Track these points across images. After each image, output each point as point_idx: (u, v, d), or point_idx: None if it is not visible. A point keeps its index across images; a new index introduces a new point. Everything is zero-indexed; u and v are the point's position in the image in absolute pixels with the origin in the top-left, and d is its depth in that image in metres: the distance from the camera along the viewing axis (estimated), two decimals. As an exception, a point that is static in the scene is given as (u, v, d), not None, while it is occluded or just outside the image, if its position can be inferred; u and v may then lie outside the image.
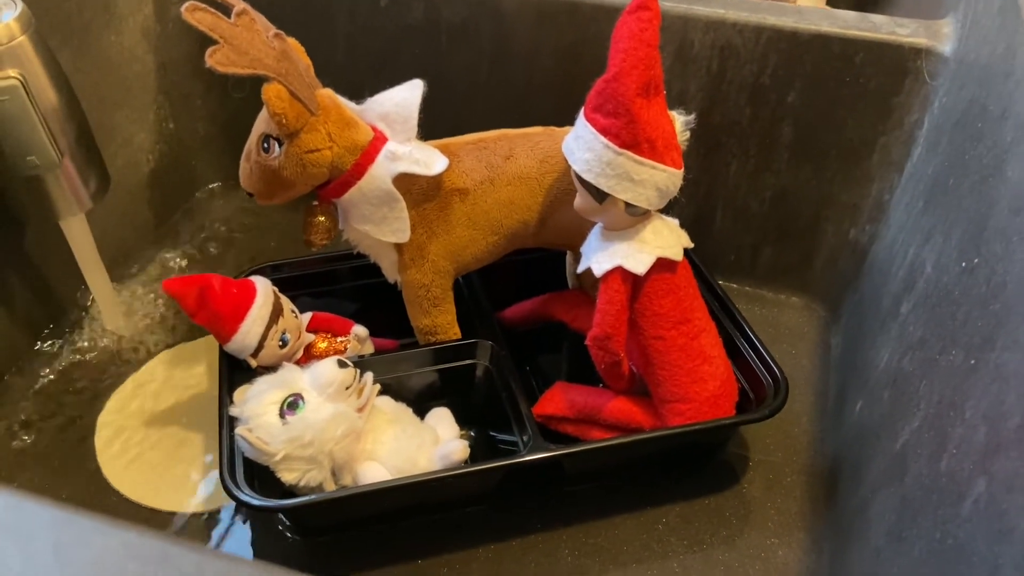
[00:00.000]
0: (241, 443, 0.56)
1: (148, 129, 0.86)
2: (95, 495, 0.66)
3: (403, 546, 0.63)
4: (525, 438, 0.62)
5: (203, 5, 0.54)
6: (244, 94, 0.88)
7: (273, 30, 0.57)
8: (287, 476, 0.56)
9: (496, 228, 0.66)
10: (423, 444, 0.61)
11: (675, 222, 0.63)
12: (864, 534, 0.56)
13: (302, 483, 0.56)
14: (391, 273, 0.68)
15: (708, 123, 0.78)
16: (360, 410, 0.59)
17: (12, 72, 0.60)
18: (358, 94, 0.87)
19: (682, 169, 0.58)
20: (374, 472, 0.59)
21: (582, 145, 0.57)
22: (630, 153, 0.55)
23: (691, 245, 0.63)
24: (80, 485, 0.67)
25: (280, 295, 0.67)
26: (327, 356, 0.66)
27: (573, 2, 0.76)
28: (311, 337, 0.69)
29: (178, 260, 0.88)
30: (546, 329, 0.76)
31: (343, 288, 0.77)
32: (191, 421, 0.72)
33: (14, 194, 0.66)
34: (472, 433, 0.69)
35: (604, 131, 0.56)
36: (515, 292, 0.77)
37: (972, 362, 0.47)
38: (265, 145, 0.60)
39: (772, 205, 0.81)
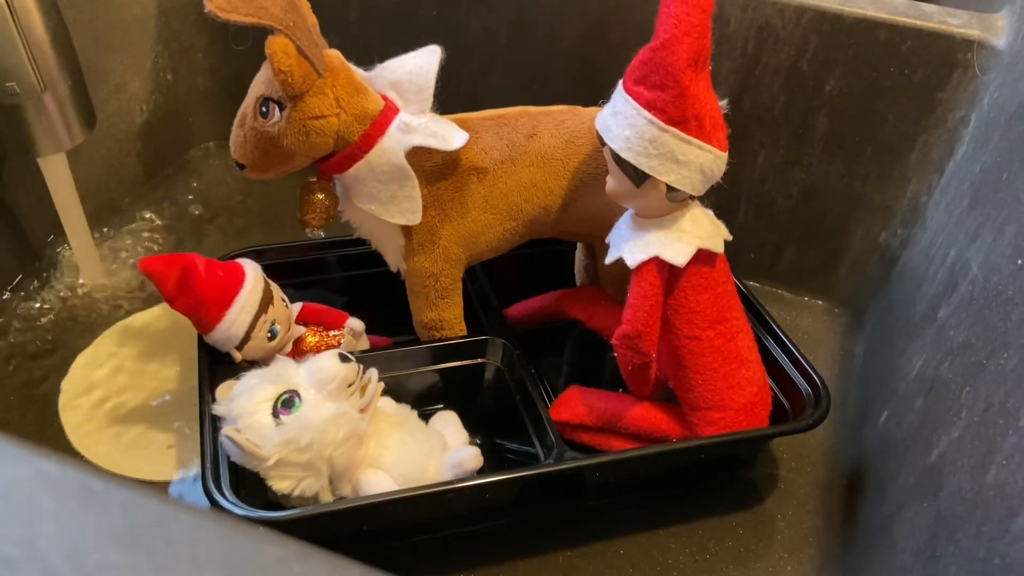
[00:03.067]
0: (228, 446, 0.50)
1: (144, 77, 0.82)
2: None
3: (389, 567, 0.57)
4: (546, 447, 0.56)
5: None
6: (247, 47, 0.84)
7: None
8: (279, 484, 0.50)
9: (515, 213, 0.61)
10: (432, 450, 0.55)
11: (711, 212, 0.57)
12: (888, 553, 0.51)
13: (296, 492, 0.50)
14: (395, 260, 0.61)
15: (738, 109, 0.73)
16: (363, 411, 0.53)
17: (-5, -13, 0.55)
18: (369, 56, 0.82)
19: (727, 152, 0.53)
20: (379, 481, 0.53)
21: (621, 121, 0.52)
22: (676, 130, 0.50)
23: (730, 237, 0.57)
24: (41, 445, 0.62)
25: (270, 282, 0.61)
26: (318, 351, 0.60)
27: (604, -31, 0.71)
28: (301, 330, 0.63)
29: (165, 219, 0.83)
30: (549, 328, 0.70)
31: (331, 279, 0.70)
32: (164, 385, 0.67)
33: (-9, 125, 0.61)
34: (479, 440, 0.63)
35: (649, 105, 0.50)
36: (517, 288, 0.71)
37: (1030, 364, 0.42)
38: (263, 109, 0.53)
39: (799, 202, 0.77)
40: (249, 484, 0.51)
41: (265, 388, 0.51)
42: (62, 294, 0.73)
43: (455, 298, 0.63)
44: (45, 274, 0.74)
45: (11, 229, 0.72)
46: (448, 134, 0.56)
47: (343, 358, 0.52)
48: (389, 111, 0.56)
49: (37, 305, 0.72)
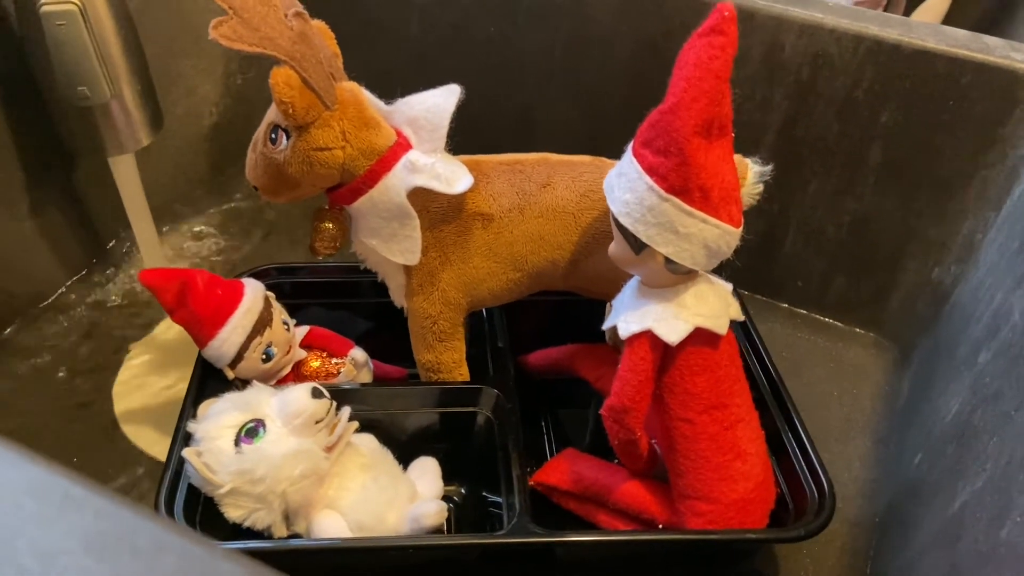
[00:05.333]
0: (187, 466, 0.50)
1: (215, 82, 0.85)
2: (104, 438, 0.65)
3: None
4: (510, 513, 0.53)
5: None
6: (250, 75, 0.86)
7: (295, 8, 0.51)
8: (232, 512, 0.49)
9: (519, 264, 0.58)
10: (396, 499, 0.53)
11: (727, 287, 0.54)
12: (905, 599, 0.51)
13: (247, 523, 0.49)
14: (397, 297, 0.61)
15: (791, 136, 0.73)
16: (328, 449, 0.51)
17: (73, -2, 0.59)
18: (427, 67, 0.84)
19: (740, 228, 0.49)
20: (330, 524, 0.51)
21: (624, 184, 0.49)
22: (677, 200, 0.47)
23: (740, 317, 0.54)
24: (91, 426, 0.66)
25: (274, 304, 0.60)
26: (318, 376, 0.61)
27: (660, -9, 0.71)
28: (303, 353, 0.62)
29: (226, 217, 0.87)
30: (577, 380, 0.67)
31: (360, 303, 0.69)
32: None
33: (66, 124, 0.65)
34: (463, 490, 0.61)
35: (651, 170, 0.47)
36: (546, 334, 0.68)
37: (1051, 421, 0.41)
38: (272, 136, 0.53)
39: (850, 232, 0.75)
40: (209, 505, 0.51)
41: (232, 414, 0.51)
42: (126, 285, 0.77)
43: (454, 342, 0.61)
44: (111, 266, 0.78)
45: (81, 222, 0.76)
46: (454, 177, 0.54)
47: (316, 393, 0.51)
48: (399, 148, 0.55)
49: (101, 294, 0.76)
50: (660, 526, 0.55)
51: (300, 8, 0.51)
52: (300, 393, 0.51)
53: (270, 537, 0.50)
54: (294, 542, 0.51)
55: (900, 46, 0.66)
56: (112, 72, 0.62)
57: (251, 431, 0.50)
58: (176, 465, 0.52)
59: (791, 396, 0.61)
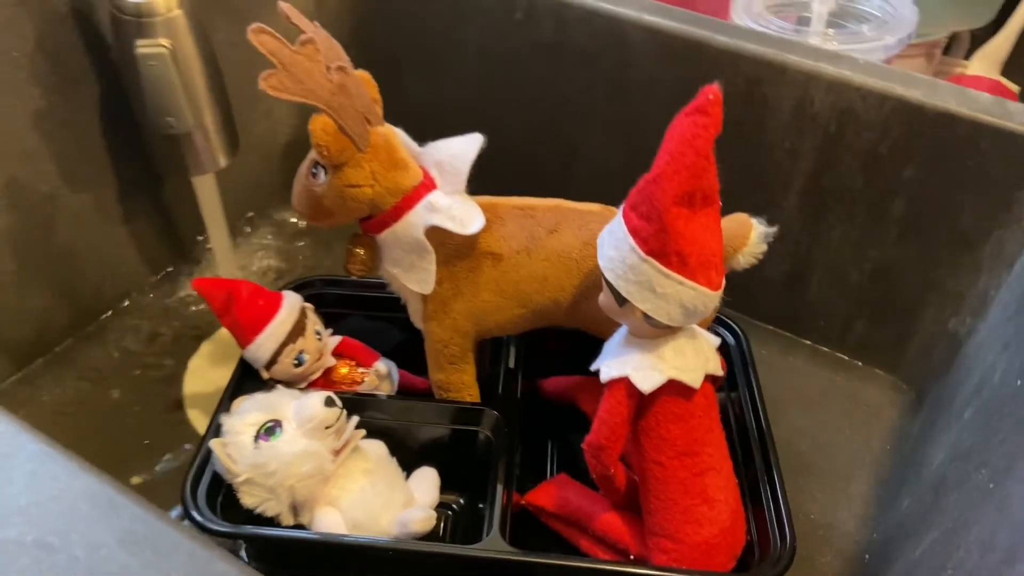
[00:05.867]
0: (213, 454, 0.57)
1: (290, 105, 0.92)
2: (173, 419, 0.74)
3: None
4: (489, 528, 0.57)
5: (269, 29, 0.55)
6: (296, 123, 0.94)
7: (338, 63, 0.56)
8: (246, 500, 0.56)
9: (524, 301, 0.64)
10: (391, 503, 0.59)
11: (714, 341, 0.58)
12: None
13: (258, 510, 0.56)
14: (415, 320, 0.67)
15: (818, 184, 0.76)
16: (336, 453, 0.58)
17: (164, 41, 0.67)
18: (479, 95, 0.91)
19: (719, 291, 0.53)
20: (329, 519, 0.58)
21: (612, 241, 0.53)
22: (655, 262, 0.50)
23: (720, 373, 0.57)
24: (165, 407, 0.75)
25: (309, 315, 0.67)
26: (344, 382, 0.68)
27: (697, 41, 0.76)
28: (334, 360, 0.69)
29: (296, 226, 0.95)
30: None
31: (396, 317, 0.71)
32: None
33: (155, 149, 0.74)
34: (462, 500, 0.66)
35: (634, 232, 0.51)
36: (570, 359, 0.69)
37: (991, 485, 0.44)
38: (314, 170, 0.60)
39: (873, 278, 0.78)
40: (230, 490, 0.57)
41: (256, 413, 0.58)
42: (202, 287, 0.87)
43: (464, 365, 0.66)
44: (190, 268, 0.88)
45: (168, 230, 0.86)
46: (468, 219, 0.60)
47: (329, 402, 0.57)
48: (423, 188, 0.61)
49: (180, 293, 0.86)
50: (632, 557, 0.59)
51: (344, 62, 0.58)
52: (315, 400, 0.57)
53: (279, 524, 0.57)
54: (274, 531, 0.57)
55: (924, 107, 0.69)
56: (196, 105, 0.71)
57: (269, 430, 0.57)
58: (205, 452, 0.58)
59: (776, 449, 0.63)
